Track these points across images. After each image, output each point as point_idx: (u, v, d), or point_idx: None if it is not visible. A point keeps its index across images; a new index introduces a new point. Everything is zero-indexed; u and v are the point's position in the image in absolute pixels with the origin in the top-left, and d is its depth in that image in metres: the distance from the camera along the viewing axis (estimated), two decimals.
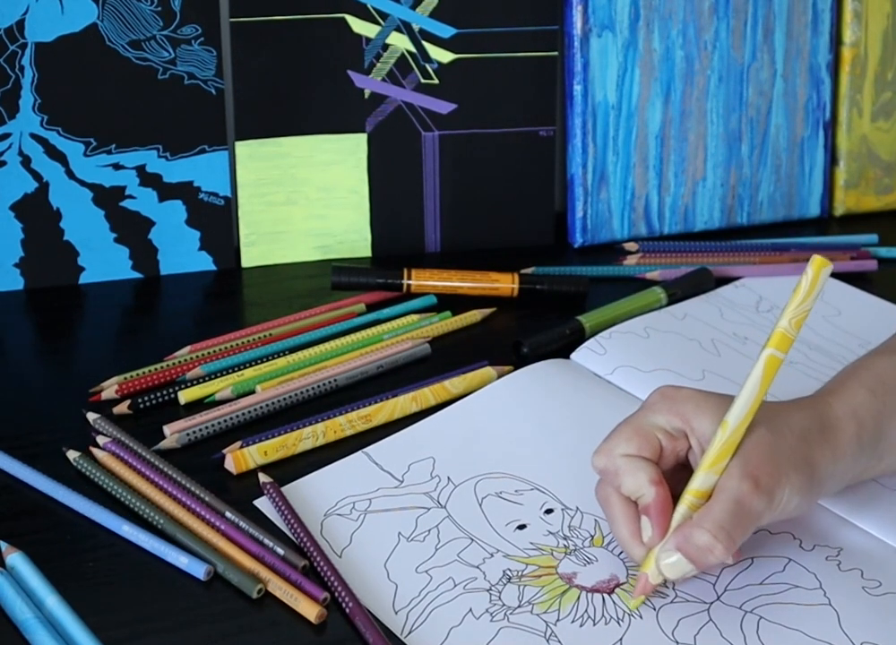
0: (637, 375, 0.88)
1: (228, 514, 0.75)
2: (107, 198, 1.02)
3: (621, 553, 0.72)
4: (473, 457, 0.80)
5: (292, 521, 0.73)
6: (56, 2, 0.97)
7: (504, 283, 1.00)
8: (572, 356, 0.91)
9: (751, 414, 0.68)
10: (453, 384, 0.87)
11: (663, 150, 1.11)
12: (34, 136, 1.00)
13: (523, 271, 1.02)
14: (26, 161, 1.00)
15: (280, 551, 0.71)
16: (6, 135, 0.99)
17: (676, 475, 0.71)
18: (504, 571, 0.71)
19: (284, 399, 0.86)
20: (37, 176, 1.01)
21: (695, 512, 0.68)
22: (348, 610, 0.67)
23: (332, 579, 0.69)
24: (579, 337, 0.94)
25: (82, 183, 1.02)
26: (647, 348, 0.92)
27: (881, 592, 0.69)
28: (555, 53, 1.08)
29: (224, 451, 0.80)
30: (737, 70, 1.11)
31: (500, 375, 0.89)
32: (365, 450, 0.81)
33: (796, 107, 1.14)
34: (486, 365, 0.90)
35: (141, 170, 1.02)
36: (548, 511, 0.76)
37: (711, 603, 0.69)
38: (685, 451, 0.71)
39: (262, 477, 0.77)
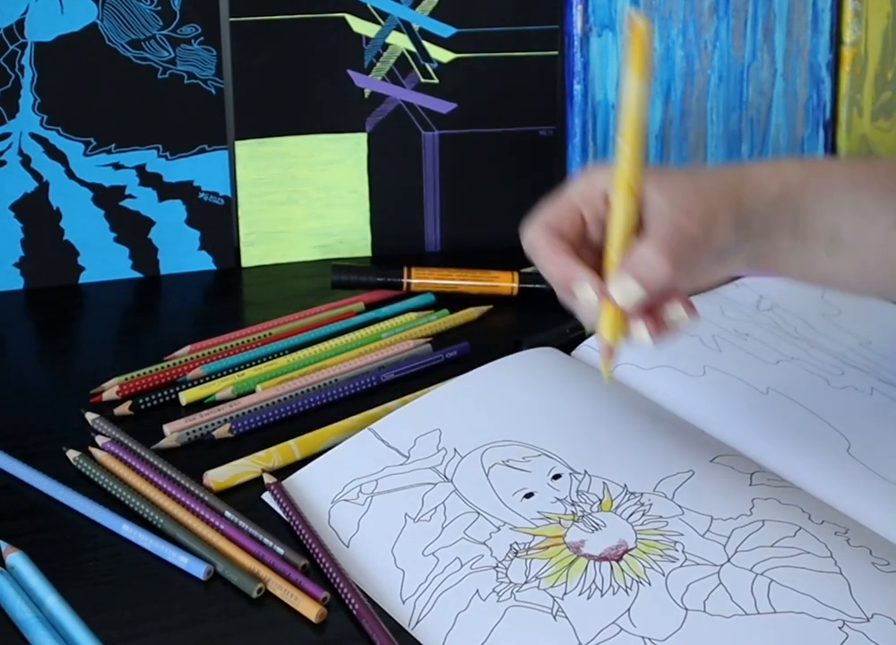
0: (637, 373, 0.88)
1: (227, 514, 0.75)
2: (107, 198, 1.03)
3: (630, 516, 0.72)
4: (479, 426, 0.80)
5: (297, 521, 0.73)
6: (56, 2, 0.97)
7: (505, 281, 1.00)
8: (573, 353, 0.91)
9: (638, 136, 0.68)
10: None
11: (663, 149, 1.11)
12: (34, 136, 1.00)
13: (523, 270, 1.02)
14: (26, 161, 1.00)
15: (280, 550, 0.71)
16: (6, 135, 0.99)
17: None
18: (510, 546, 0.71)
19: (284, 398, 0.86)
20: (37, 175, 1.01)
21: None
22: (354, 611, 0.67)
23: (337, 578, 0.69)
24: (579, 336, 0.94)
25: (82, 182, 1.02)
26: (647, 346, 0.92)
27: (891, 570, 0.68)
28: (555, 53, 1.08)
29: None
30: (737, 69, 1.11)
31: None
32: (371, 426, 0.80)
33: (796, 106, 1.14)
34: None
35: (140, 170, 1.02)
36: (556, 477, 0.75)
37: (722, 565, 0.68)
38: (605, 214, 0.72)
39: (267, 478, 0.77)
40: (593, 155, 1.09)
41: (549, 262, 0.70)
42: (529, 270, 1.04)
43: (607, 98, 1.09)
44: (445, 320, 0.97)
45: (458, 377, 0.85)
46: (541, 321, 0.97)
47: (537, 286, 1.00)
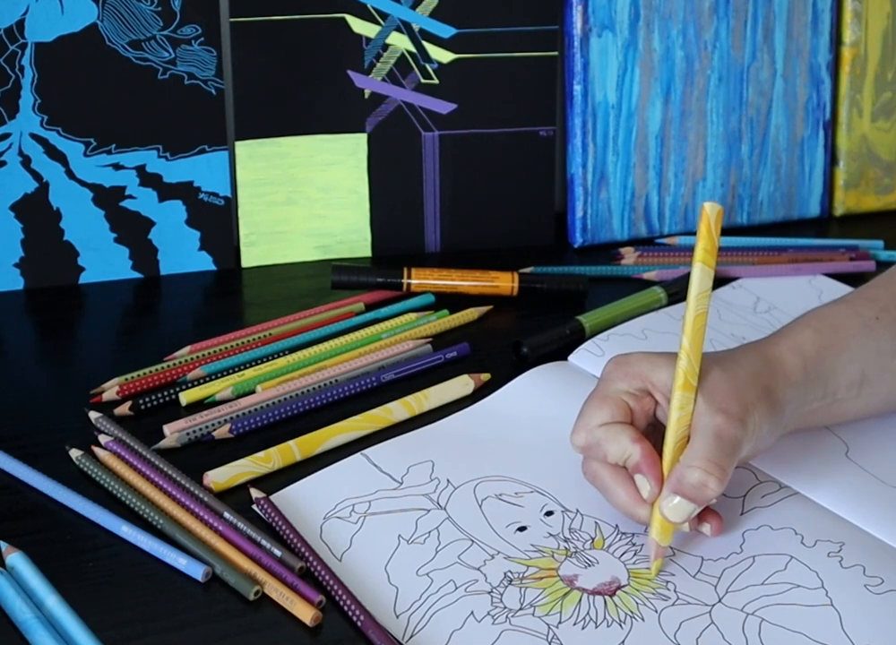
0: None
1: (226, 515, 0.75)
2: (107, 198, 1.03)
3: (622, 555, 0.72)
4: (472, 461, 0.80)
5: (289, 534, 0.73)
6: (56, 2, 0.97)
7: (505, 282, 1.00)
8: (570, 357, 0.91)
9: (699, 333, 0.71)
10: (426, 396, 0.87)
11: (663, 150, 1.11)
12: (34, 136, 1.00)
13: (522, 271, 1.03)
14: (26, 161, 1.00)
15: (278, 552, 0.71)
16: (6, 135, 0.99)
17: (651, 436, 0.73)
18: (504, 574, 0.71)
19: (284, 399, 0.86)
20: (37, 176, 1.01)
21: (681, 455, 0.70)
22: (356, 620, 0.67)
23: (332, 583, 0.69)
24: (579, 337, 0.94)
25: (82, 183, 1.02)
26: (645, 350, 0.91)
27: (883, 590, 0.69)
28: (555, 53, 1.08)
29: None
30: (737, 70, 1.11)
31: (476, 384, 0.88)
32: (363, 452, 0.81)
33: (796, 107, 1.14)
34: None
35: (141, 170, 1.03)
36: (548, 514, 0.76)
37: (713, 605, 0.69)
38: (653, 408, 0.73)
39: (255, 493, 0.77)
40: (593, 155, 1.09)
41: (614, 492, 0.72)
42: (528, 270, 1.04)
43: (607, 98, 1.09)
44: (445, 320, 0.97)
45: (451, 416, 0.85)
46: (541, 321, 0.97)
47: (537, 286, 1.01)
